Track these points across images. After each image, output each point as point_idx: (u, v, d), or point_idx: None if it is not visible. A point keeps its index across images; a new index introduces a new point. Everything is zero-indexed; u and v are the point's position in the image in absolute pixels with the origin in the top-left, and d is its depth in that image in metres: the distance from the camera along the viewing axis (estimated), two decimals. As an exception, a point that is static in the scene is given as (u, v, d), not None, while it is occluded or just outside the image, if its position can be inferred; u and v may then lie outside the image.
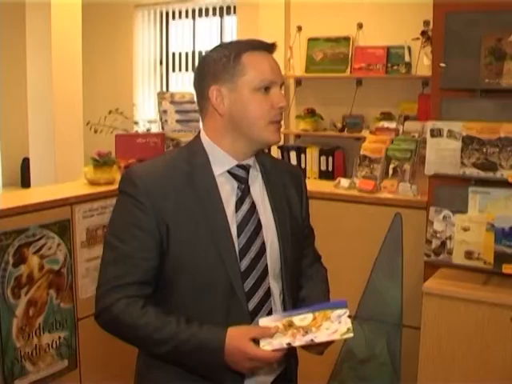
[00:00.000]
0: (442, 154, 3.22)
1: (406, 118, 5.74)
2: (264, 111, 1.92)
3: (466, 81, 3.25)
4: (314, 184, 4.21)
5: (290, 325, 1.83)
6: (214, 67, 1.93)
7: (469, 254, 3.17)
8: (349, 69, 6.66)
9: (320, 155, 6.50)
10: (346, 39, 6.75)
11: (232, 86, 1.91)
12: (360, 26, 6.72)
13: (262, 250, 2.00)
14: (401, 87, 6.38)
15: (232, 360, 1.80)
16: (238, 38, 2.05)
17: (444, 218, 3.23)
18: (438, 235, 3.24)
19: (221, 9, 8.41)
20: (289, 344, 1.78)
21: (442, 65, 3.30)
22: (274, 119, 1.94)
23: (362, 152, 3.96)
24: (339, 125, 6.66)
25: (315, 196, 3.63)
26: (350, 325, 1.79)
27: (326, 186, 4.11)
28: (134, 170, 1.95)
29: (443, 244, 3.23)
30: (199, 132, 2.04)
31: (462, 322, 3.12)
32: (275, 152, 6.51)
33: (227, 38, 8.29)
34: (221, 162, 1.97)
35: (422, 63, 6.13)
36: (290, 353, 2.00)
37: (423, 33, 6.09)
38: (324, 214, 3.68)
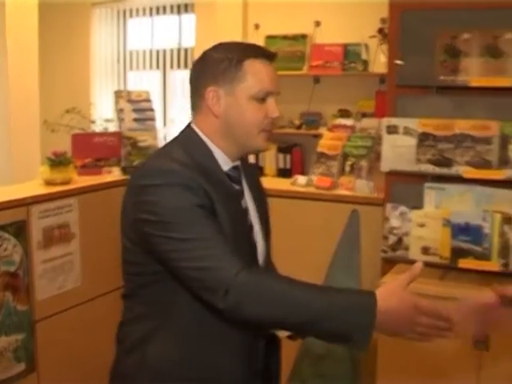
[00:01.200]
0: (398, 150, 3.25)
1: (364, 115, 5.77)
2: (258, 119, 1.94)
3: (421, 78, 3.29)
4: (271, 182, 4.22)
5: None
6: (214, 68, 1.94)
7: (425, 250, 3.21)
8: (306, 66, 6.68)
9: (278, 153, 6.52)
10: (304, 37, 6.78)
11: (230, 90, 1.93)
12: (317, 23, 6.75)
13: (254, 251, 2.04)
14: (358, 84, 6.41)
15: (390, 318, 1.71)
16: (244, 41, 2.08)
17: (400, 214, 3.26)
18: (395, 231, 3.27)
19: (179, 6, 8.38)
20: None
21: (399, 62, 3.32)
22: (266, 128, 1.97)
23: (318, 149, 3.98)
24: (297, 122, 6.68)
25: (273, 194, 3.63)
26: None
27: (283, 184, 4.12)
28: (161, 164, 1.89)
29: (400, 240, 3.26)
30: (190, 129, 2.03)
31: (420, 317, 3.15)
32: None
33: (186, 36, 8.28)
34: (221, 161, 1.99)
35: (379, 60, 6.17)
36: (274, 349, 2.10)
37: (380, 30, 6.14)
38: (282, 211, 3.68)
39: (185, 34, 8.37)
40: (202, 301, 1.82)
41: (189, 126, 2.04)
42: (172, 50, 8.48)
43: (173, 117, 8.34)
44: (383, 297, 1.71)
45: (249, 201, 2.08)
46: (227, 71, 1.93)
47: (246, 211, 2.05)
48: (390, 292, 1.74)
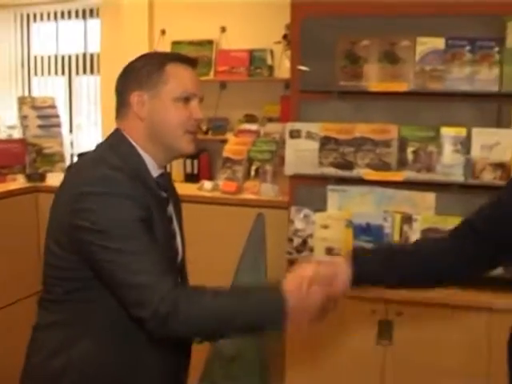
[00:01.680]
0: (301, 154, 3.33)
1: (270, 120, 5.85)
2: (182, 120, 1.97)
3: (323, 83, 3.37)
4: (178, 187, 4.21)
5: None
6: (137, 74, 1.98)
7: (329, 251, 3.29)
8: (212, 72, 6.72)
9: (185, 158, 6.51)
10: (210, 43, 6.82)
11: (154, 93, 1.96)
12: (223, 29, 6.80)
13: (176, 259, 2.10)
14: (264, 90, 6.49)
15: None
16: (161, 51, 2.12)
17: (304, 216, 3.34)
18: (299, 233, 3.35)
19: (84, 11, 8.30)
20: None
21: (304, 68, 3.40)
22: (190, 129, 2.00)
23: (224, 154, 4.03)
24: (204, 127, 6.71)
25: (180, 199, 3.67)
26: None
27: (190, 189, 4.14)
28: (103, 172, 1.88)
29: (304, 242, 3.34)
30: (120, 134, 2.03)
31: (326, 316, 3.23)
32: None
33: (91, 42, 8.21)
34: (151, 168, 2.01)
35: (284, 66, 6.25)
36: (188, 348, 2.17)
37: (285, 36, 6.22)
38: (188, 216, 3.67)
39: (90, 39, 8.29)
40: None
41: (118, 130, 2.04)
42: (77, 56, 8.39)
43: (79, 123, 8.25)
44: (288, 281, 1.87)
45: (171, 208, 2.12)
46: (150, 75, 1.97)
47: (171, 219, 2.09)
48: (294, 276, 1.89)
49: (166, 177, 2.10)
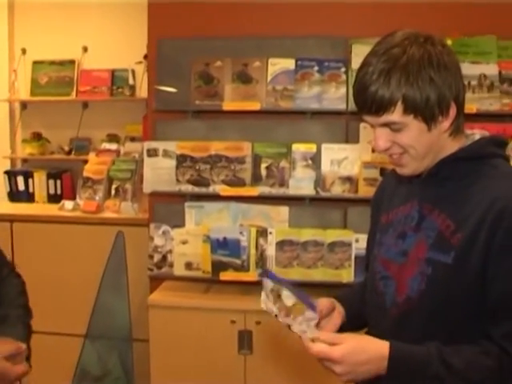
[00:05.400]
0: (159, 172, 3.41)
1: (133, 139, 5.85)
2: None
3: (178, 103, 3.47)
4: (39, 208, 4.23)
5: (279, 295, 1.77)
6: None
7: (188, 266, 3.38)
8: (74, 92, 6.67)
9: (48, 179, 6.42)
10: (71, 62, 6.76)
11: None
12: (85, 49, 6.76)
13: None
14: (126, 109, 6.48)
15: None
16: None
17: (163, 233, 3.41)
18: (159, 250, 3.42)
19: None
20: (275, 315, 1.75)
21: (167, 88, 3.48)
22: None
23: (84, 174, 4.05)
24: (66, 148, 6.64)
25: (40, 220, 3.69)
26: (315, 335, 1.72)
27: (51, 209, 4.14)
28: None
29: (164, 258, 3.41)
30: None
31: (188, 329, 3.32)
32: (1, 177, 6.34)
33: None
34: None
35: (146, 86, 6.27)
36: None
37: (146, 56, 6.26)
38: (49, 237, 3.70)
39: None
40: None
41: None
42: None
43: None
44: None
45: None
46: None
47: None
48: None
49: None
